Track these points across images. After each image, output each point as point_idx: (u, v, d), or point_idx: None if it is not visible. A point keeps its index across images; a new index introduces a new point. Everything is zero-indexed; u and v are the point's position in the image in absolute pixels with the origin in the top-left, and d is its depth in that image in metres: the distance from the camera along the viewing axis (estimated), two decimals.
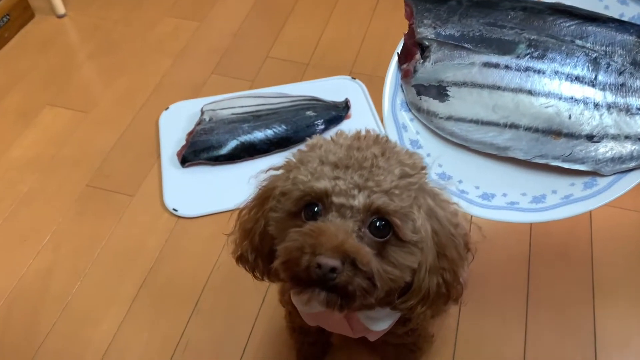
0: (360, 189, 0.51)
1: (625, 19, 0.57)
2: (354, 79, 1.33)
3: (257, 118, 1.19)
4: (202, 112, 1.21)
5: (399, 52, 0.64)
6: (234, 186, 1.13)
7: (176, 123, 1.24)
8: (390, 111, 0.63)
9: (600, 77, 0.55)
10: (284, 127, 1.18)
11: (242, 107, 1.21)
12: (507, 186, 0.59)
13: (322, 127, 1.21)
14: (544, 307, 0.95)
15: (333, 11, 1.52)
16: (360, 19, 1.49)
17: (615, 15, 0.58)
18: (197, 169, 1.16)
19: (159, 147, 1.20)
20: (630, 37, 0.55)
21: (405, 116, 0.63)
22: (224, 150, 1.15)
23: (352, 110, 1.24)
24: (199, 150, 1.15)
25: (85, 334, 0.93)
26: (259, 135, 1.17)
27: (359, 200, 0.51)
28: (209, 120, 1.20)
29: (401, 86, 0.65)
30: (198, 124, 1.20)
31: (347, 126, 1.21)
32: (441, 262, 0.56)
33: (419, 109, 0.62)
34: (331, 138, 0.57)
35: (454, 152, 0.62)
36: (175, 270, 1.01)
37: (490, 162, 0.60)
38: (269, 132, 1.17)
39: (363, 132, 0.57)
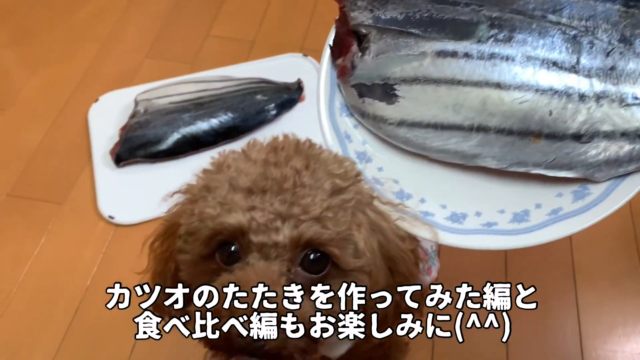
0: (284, 219, 0.41)
1: None
2: (306, 56, 1.20)
3: (200, 106, 1.06)
4: (136, 103, 1.07)
5: (331, 44, 0.52)
6: (177, 185, 1.01)
7: (108, 117, 1.09)
8: (328, 119, 0.51)
9: (584, 61, 0.44)
10: (230, 115, 1.05)
11: (181, 94, 1.08)
12: (480, 202, 0.48)
13: (274, 112, 1.09)
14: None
15: None
16: None
17: None
18: (134, 168, 1.02)
19: (89, 146, 1.06)
20: (614, 7, 0.44)
21: (347, 123, 0.51)
22: (164, 145, 1.02)
23: (306, 92, 1.12)
24: (135, 147, 1.02)
25: None
26: (202, 126, 1.04)
27: (284, 235, 0.41)
28: (144, 111, 1.06)
29: (339, 86, 0.53)
30: (132, 116, 1.06)
31: (301, 110, 1.10)
32: (396, 279, 0.47)
33: (364, 114, 0.50)
34: (243, 150, 0.47)
35: (412, 164, 0.50)
36: None
37: (457, 173, 0.49)
38: (214, 122, 1.04)
39: (281, 138, 0.46)
